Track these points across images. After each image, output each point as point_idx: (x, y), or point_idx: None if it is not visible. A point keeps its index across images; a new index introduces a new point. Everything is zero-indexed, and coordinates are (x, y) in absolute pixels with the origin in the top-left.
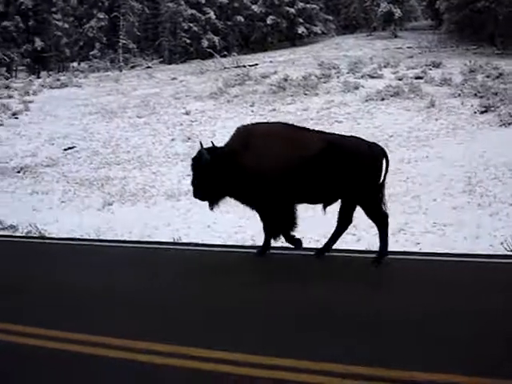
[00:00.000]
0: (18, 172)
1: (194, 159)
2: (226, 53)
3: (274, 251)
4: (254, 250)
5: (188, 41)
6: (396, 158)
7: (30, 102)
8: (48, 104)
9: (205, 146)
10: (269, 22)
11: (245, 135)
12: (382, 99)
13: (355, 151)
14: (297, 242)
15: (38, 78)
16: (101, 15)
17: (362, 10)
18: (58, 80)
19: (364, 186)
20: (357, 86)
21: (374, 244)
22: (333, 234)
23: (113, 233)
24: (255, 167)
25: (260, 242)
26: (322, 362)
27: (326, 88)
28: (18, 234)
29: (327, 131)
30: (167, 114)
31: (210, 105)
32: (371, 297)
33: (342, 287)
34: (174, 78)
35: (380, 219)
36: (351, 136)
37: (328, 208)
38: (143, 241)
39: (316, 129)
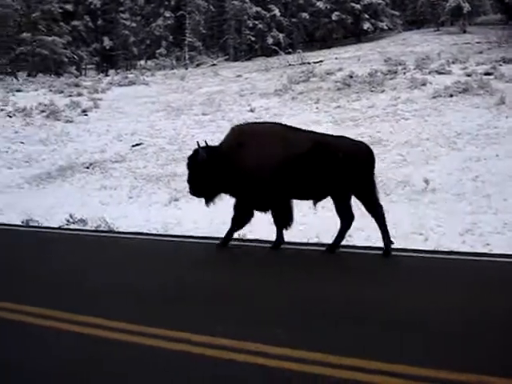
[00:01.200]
0: (87, 168)
1: (189, 158)
2: (290, 50)
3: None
4: (321, 248)
5: (253, 38)
6: (464, 156)
7: (99, 99)
8: (116, 101)
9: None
10: (334, 18)
11: (239, 135)
12: (451, 96)
13: (341, 150)
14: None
15: (107, 76)
16: (167, 14)
17: (430, 4)
18: (126, 78)
19: (351, 182)
20: (424, 83)
21: (444, 244)
22: (339, 231)
23: (180, 228)
24: (248, 165)
25: (325, 239)
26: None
27: (393, 84)
28: (87, 228)
29: (317, 131)
30: (232, 111)
31: (274, 102)
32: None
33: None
34: (238, 76)
35: (377, 212)
36: (339, 136)
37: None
38: (210, 236)
39: (319, 129)
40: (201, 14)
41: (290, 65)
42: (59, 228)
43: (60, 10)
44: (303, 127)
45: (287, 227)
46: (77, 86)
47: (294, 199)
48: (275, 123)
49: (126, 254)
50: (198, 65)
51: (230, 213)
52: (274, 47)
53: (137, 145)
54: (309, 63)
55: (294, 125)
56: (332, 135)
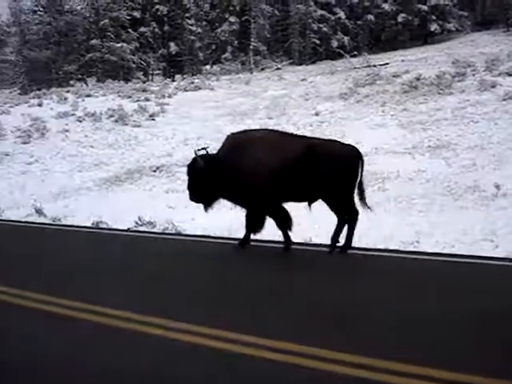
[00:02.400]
0: (155, 171)
1: (189, 166)
2: (355, 52)
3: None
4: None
5: (317, 41)
6: None
7: (166, 104)
8: (182, 106)
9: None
10: (400, 20)
11: (234, 142)
12: None
13: (332, 153)
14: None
15: (173, 81)
16: (232, 19)
17: (500, 4)
18: (192, 83)
19: (341, 183)
20: (494, 85)
21: None
22: (347, 232)
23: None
24: (244, 171)
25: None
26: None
27: (461, 87)
28: (155, 230)
29: (309, 135)
30: (297, 115)
31: (339, 105)
32: None
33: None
34: (303, 79)
35: (352, 215)
36: (330, 140)
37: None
38: (275, 240)
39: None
40: (265, 18)
41: (355, 68)
42: (128, 230)
43: (128, 17)
44: (369, 131)
45: (290, 229)
46: (144, 91)
47: (290, 202)
48: (269, 130)
49: (199, 256)
50: (262, 69)
51: (296, 216)
52: (338, 50)
53: (202, 149)
54: (374, 66)
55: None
56: (323, 139)
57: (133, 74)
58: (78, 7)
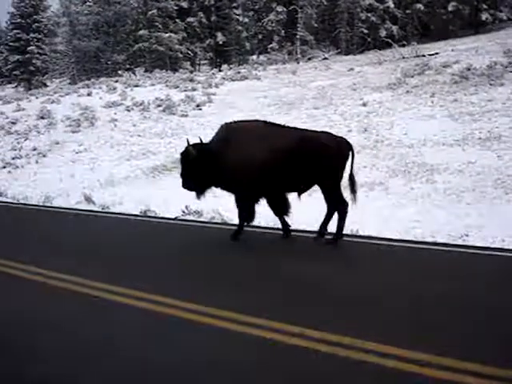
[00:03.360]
0: None
1: (182, 154)
2: (404, 42)
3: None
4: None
5: (365, 31)
6: None
7: (213, 94)
8: (229, 96)
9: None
10: (450, 8)
11: (227, 132)
12: None
13: (323, 145)
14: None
15: (220, 71)
16: (279, 8)
17: None
18: (239, 73)
19: (332, 174)
20: None
21: None
22: (338, 223)
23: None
24: (236, 161)
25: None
26: None
27: None
28: (202, 219)
29: (301, 127)
30: (344, 105)
31: (387, 96)
32: None
33: None
34: (350, 69)
35: (342, 206)
36: (322, 131)
37: None
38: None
39: (301, 126)
40: (313, 7)
41: (403, 57)
42: (175, 219)
43: (175, 7)
44: (418, 122)
45: (287, 215)
46: (191, 81)
47: (281, 191)
48: (261, 121)
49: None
50: (309, 59)
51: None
52: (387, 40)
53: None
54: (423, 56)
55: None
56: (315, 131)
57: (180, 63)
58: None
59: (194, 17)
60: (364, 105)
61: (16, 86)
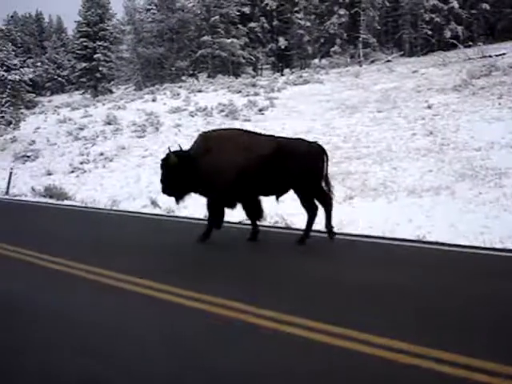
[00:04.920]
0: None
1: (163, 160)
2: (470, 43)
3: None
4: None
5: (429, 32)
6: None
7: (275, 98)
8: (291, 100)
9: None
10: None
11: (206, 140)
12: None
13: (298, 151)
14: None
15: (282, 75)
16: (341, 11)
17: None
18: (301, 77)
19: (308, 178)
20: None
21: None
22: (307, 224)
23: (353, 227)
24: (215, 168)
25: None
26: None
27: None
28: (265, 224)
29: (276, 135)
30: (408, 108)
31: (453, 98)
32: None
33: None
34: (414, 71)
35: (326, 202)
36: (296, 138)
37: None
38: (385, 236)
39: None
40: (375, 9)
41: (469, 59)
42: (239, 223)
43: (237, 13)
44: (485, 125)
45: (260, 219)
46: (253, 85)
47: (259, 196)
48: (238, 129)
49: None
50: (372, 61)
51: (402, 213)
52: (452, 41)
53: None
54: (490, 56)
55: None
56: (290, 138)
57: (242, 68)
58: (190, 5)
59: (256, 22)
60: (429, 107)
61: (83, 93)
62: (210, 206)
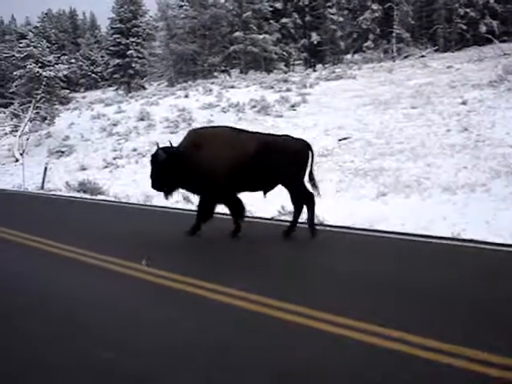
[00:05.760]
0: None
1: (152, 156)
2: (505, 38)
3: None
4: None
5: (464, 27)
6: None
7: (307, 94)
8: (323, 96)
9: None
10: None
11: (195, 137)
12: None
13: (284, 147)
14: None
15: (314, 71)
16: (375, 6)
17: None
18: (333, 72)
19: (294, 173)
20: None
21: None
22: (294, 217)
23: (386, 224)
24: (204, 164)
25: None
26: None
27: None
28: (300, 221)
29: (263, 132)
30: (442, 104)
31: (488, 93)
32: None
33: None
34: (449, 67)
35: (309, 199)
36: (283, 135)
37: None
38: (417, 234)
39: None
40: (409, 4)
41: (505, 54)
42: (271, 219)
43: (270, 9)
44: None
45: (242, 217)
46: (285, 81)
47: (246, 191)
48: (226, 127)
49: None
50: (405, 57)
51: (436, 211)
52: (487, 35)
53: (344, 139)
54: None
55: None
56: (276, 135)
57: (274, 64)
58: (222, 1)
59: (288, 17)
60: (464, 103)
61: (116, 89)
62: (203, 203)
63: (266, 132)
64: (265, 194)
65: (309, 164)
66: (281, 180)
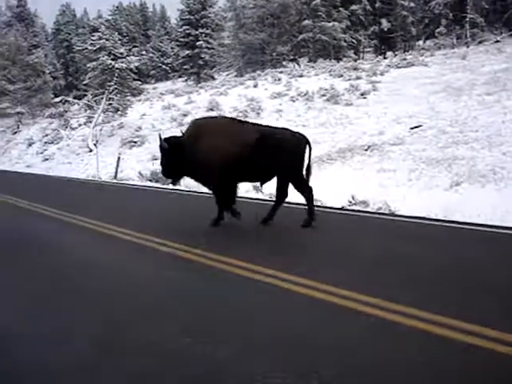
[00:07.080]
0: (366, 150)
1: (159, 146)
2: None
3: None
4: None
5: None
6: None
7: (377, 82)
8: (394, 83)
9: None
10: None
11: (197, 128)
12: None
13: (282, 139)
14: (238, 214)
15: (385, 58)
16: None
17: None
18: (404, 59)
19: (291, 166)
20: None
21: None
22: (273, 206)
23: (460, 214)
24: (205, 154)
25: None
26: None
27: None
28: (368, 210)
29: (263, 124)
30: None
31: None
32: None
33: None
34: None
35: (307, 192)
36: (282, 128)
37: None
38: (492, 225)
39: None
40: None
41: None
42: (341, 208)
43: None
44: None
45: (227, 209)
46: (355, 69)
47: (244, 182)
48: (228, 118)
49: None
50: (479, 42)
51: None
52: None
53: (416, 127)
54: None
55: None
56: (276, 127)
57: (344, 52)
58: None
59: (357, 4)
60: None
61: (186, 80)
62: (213, 194)
63: (265, 124)
64: (261, 185)
65: (306, 157)
66: (277, 171)
